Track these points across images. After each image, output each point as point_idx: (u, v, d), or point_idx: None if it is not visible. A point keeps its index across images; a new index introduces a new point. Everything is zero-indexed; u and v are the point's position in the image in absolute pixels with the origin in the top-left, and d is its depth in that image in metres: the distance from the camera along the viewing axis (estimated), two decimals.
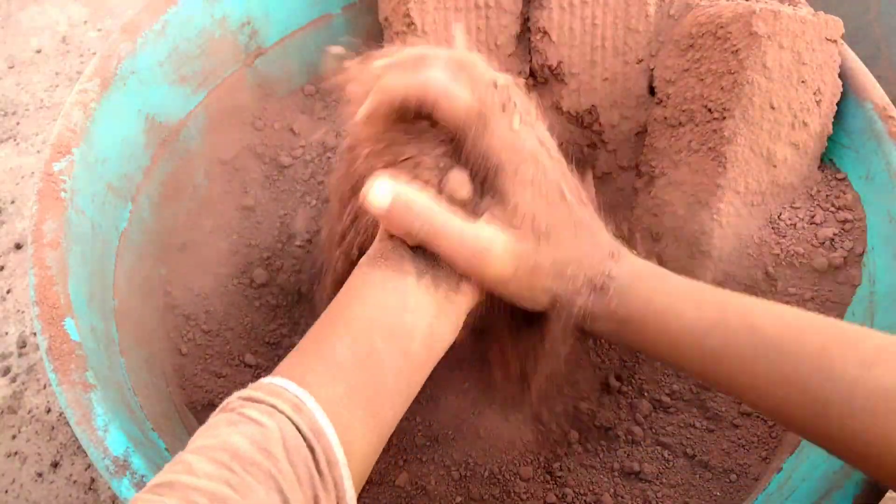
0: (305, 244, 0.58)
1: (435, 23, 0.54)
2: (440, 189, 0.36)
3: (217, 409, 0.32)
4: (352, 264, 0.39)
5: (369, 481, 0.49)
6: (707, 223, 0.50)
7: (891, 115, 0.49)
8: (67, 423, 0.70)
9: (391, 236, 0.37)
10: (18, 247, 0.88)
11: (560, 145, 0.39)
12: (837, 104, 0.51)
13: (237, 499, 0.27)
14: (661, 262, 0.50)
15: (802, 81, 0.48)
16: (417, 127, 0.37)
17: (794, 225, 0.51)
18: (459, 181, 0.36)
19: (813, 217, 0.51)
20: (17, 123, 1.00)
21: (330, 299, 0.36)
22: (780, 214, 0.51)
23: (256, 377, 0.53)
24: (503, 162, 0.35)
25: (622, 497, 0.48)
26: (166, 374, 0.51)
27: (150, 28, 0.53)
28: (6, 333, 0.82)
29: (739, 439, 0.49)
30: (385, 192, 0.34)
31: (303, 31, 0.64)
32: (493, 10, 0.54)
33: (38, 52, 1.08)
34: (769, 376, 0.32)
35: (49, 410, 0.77)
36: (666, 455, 0.50)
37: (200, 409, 0.51)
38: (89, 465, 0.73)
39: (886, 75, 0.82)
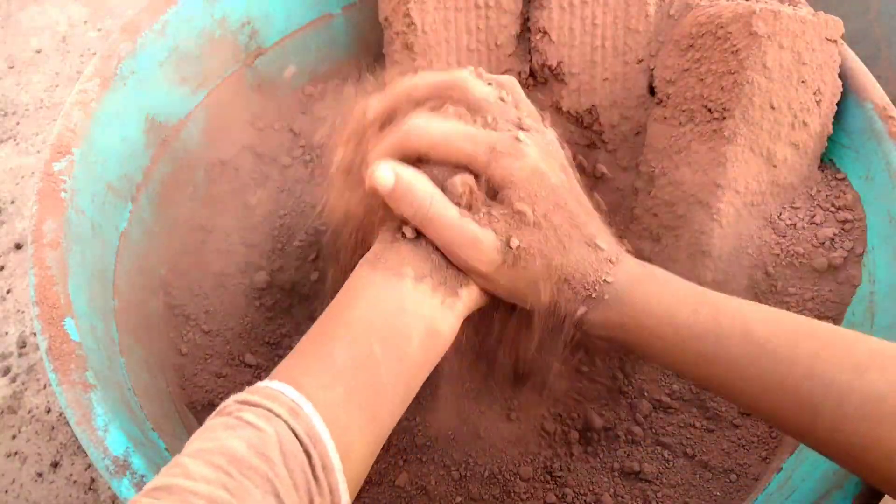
0: (305, 244, 0.58)
1: (435, 23, 0.54)
2: (444, 187, 0.37)
3: (214, 413, 0.32)
4: (356, 252, 0.39)
5: (369, 481, 0.49)
6: (707, 223, 0.50)
7: (891, 115, 0.49)
8: (67, 423, 0.70)
9: (391, 238, 0.37)
10: (18, 247, 0.89)
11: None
12: (837, 104, 0.51)
13: (234, 503, 0.27)
14: (662, 263, 0.50)
15: (802, 81, 0.48)
16: None
17: (794, 225, 0.51)
18: (463, 181, 0.37)
19: (813, 217, 0.51)
20: (17, 123, 1.00)
21: (333, 293, 0.37)
22: (780, 214, 0.51)
23: (256, 377, 0.54)
24: (514, 183, 0.37)
25: (622, 497, 0.48)
26: (166, 374, 0.51)
27: (150, 28, 0.53)
28: (6, 333, 0.82)
29: (739, 439, 0.49)
30: (389, 171, 0.36)
31: (303, 31, 0.64)
32: (492, 9, 0.54)
33: (38, 52, 1.08)
34: (762, 381, 0.32)
35: (49, 410, 0.77)
36: (666, 455, 0.50)
37: (200, 409, 0.51)
38: (89, 465, 0.73)
39: (886, 75, 0.82)
